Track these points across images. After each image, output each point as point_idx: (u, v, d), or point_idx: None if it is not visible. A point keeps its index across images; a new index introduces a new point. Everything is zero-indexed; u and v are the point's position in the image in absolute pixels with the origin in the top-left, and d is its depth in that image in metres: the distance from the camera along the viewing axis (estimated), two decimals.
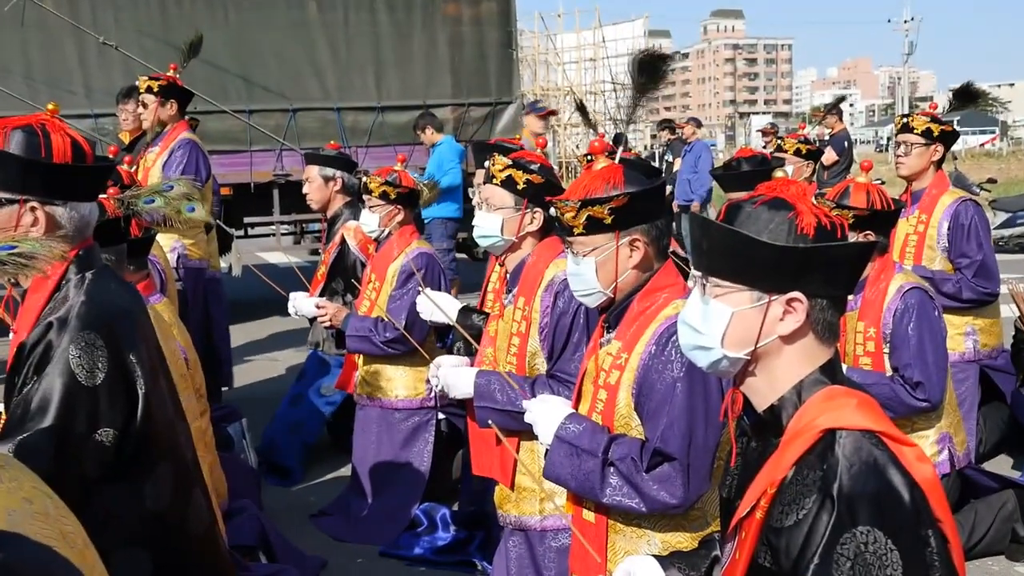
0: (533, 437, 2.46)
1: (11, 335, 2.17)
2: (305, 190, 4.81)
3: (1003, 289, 4.36)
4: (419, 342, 3.82)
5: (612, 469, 2.18)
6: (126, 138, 6.25)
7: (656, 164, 11.83)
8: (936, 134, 4.40)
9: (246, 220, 9.17)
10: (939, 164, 4.52)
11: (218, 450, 3.79)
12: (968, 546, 3.52)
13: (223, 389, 5.58)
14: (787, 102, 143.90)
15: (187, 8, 8.05)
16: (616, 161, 2.30)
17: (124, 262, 3.07)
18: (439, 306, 3.46)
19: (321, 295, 4.56)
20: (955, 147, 6.22)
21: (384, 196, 4.03)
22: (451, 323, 3.51)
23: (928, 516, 1.45)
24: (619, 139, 2.42)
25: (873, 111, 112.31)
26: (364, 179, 4.16)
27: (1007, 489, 3.69)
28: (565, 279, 2.54)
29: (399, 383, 4.08)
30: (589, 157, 2.36)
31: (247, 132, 8.12)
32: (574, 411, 2.33)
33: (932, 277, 4.17)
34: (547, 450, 2.30)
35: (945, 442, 3.58)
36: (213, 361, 5.19)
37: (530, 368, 2.83)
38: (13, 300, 2.17)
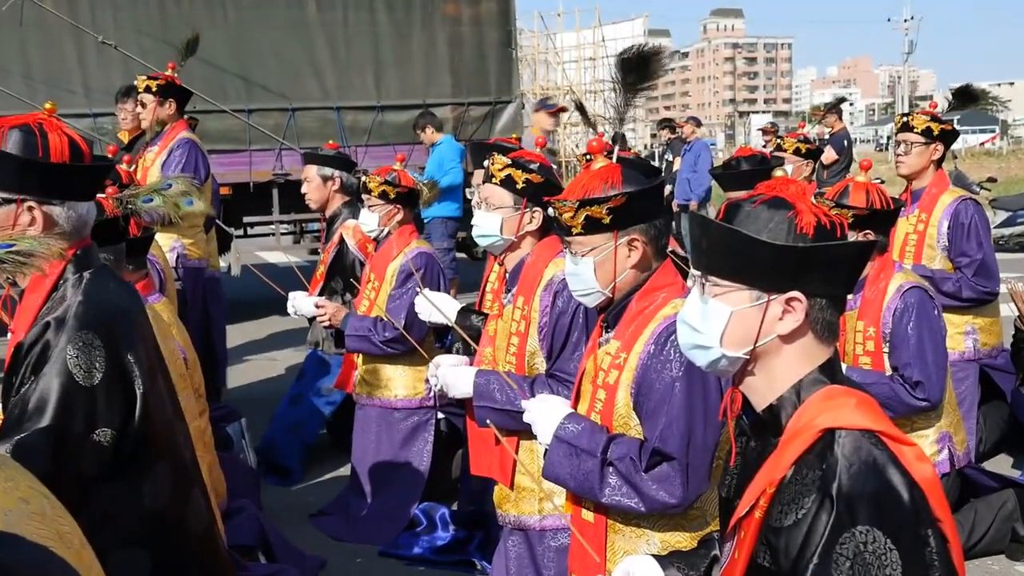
0: (532, 437, 2.46)
1: (8, 335, 2.16)
2: (303, 190, 4.81)
3: (1003, 288, 4.36)
4: (418, 341, 3.81)
5: (611, 469, 2.18)
6: (125, 137, 6.24)
7: (656, 163, 11.83)
8: (936, 133, 4.40)
9: (245, 220, 9.18)
10: (939, 163, 4.52)
11: (217, 450, 3.79)
12: (968, 545, 3.52)
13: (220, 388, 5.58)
14: (787, 101, 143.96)
15: (186, 7, 8.05)
16: (613, 160, 2.30)
17: (123, 261, 3.07)
18: (438, 307, 3.46)
19: (320, 294, 4.56)
20: (955, 146, 6.22)
21: (383, 195, 4.03)
22: (450, 324, 3.51)
23: (928, 516, 1.45)
24: (615, 139, 2.41)
25: (873, 110, 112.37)
26: (363, 178, 4.16)
27: (1007, 488, 3.69)
28: (564, 278, 2.54)
29: (398, 382, 4.08)
30: (588, 156, 2.36)
31: (246, 131, 8.12)
32: (573, 411, 2.33)
33: (932, 276, 4.17)
34: (546, 450, 2.30)
35: (945, 441, 3.58)
36: (212, 361, 5.19)
37: (529, 368, 2.83)
38: (11, 299, 2.16)
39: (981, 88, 4.86)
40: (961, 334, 4.36)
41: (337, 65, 8.55)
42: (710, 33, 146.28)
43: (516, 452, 2.78)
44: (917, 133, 4.41)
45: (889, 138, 35.95)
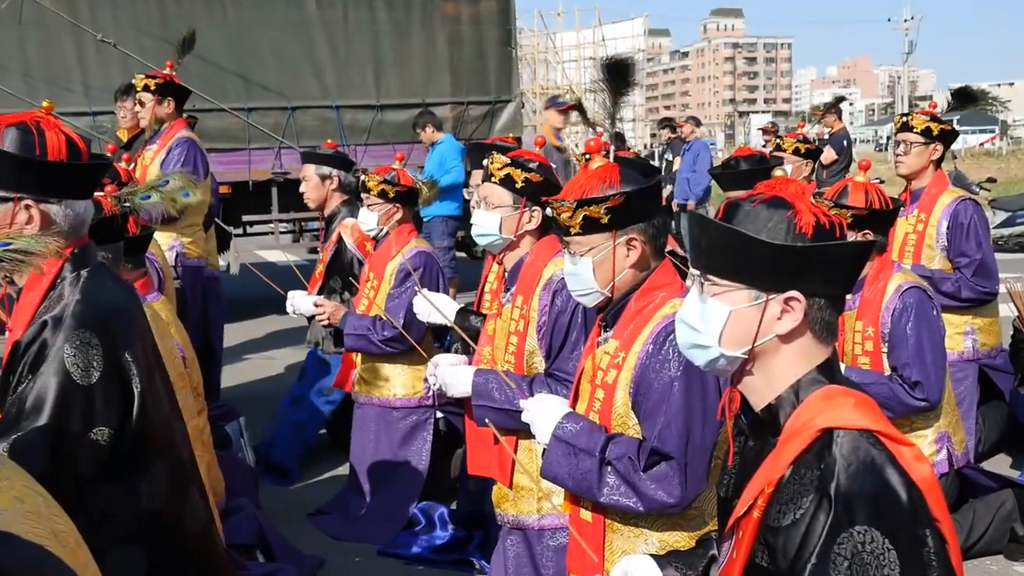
0: (531, 436, 2.46)
1: (6, 333, 2.16)
2: (302, 189, 4.81)
3: (1002, 288, 4.36)
4: (417, 340, 3.81)
5: (609, 468, 2.17)
6: (124, 136, 6.24)
7: (656, 163, 11.83)
8: (935, 133, 4.40)
9: (244, 218, 9.17)
10: (938, 163, 4.52)
11: (216, 449, 3.79)
12: (966, 545, 3.52)
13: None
14: (787, 101, 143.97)
15: (185, 6, 8.05)
16: (611, 160, 2.30)
17: (121, 260, 3.07)
18: (437, 307, 3.45)
19: (319, 293, 4.56)
20: (955, 146, 6.22)
21: (382, 194, 4.03)
22: (449, 324, 3.51)
23: (926, 516, 1.45)
24: (613, 138, 2.41)
25: (872, 110, 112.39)
26: (362, 177, 4.15)
27: (1006, 488, 3.69)
28: (563, 278, 2.54)
29: (397, 382, 4.07)
30: (587, 156, 2.36)
31: (246, 130, 8.12)
32: (572, 410, 2.33)
33: (931, 276, 4.16)
34: (544, 449, 2.30)
35: (943, 441, 3.58)
36: (211, 359, 5.18)
37: (528, 367, 2.83)
38: (8, 298, 2.16)
39: (981, 88, 4.86)
40: (960, 334, 4.36)
41: (337, 64, 8.54)
42: (710, 33, 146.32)
43: (515, 451, 2.78)
44: (916, 133, 4.41)
45: (889, 138, 35.93)
